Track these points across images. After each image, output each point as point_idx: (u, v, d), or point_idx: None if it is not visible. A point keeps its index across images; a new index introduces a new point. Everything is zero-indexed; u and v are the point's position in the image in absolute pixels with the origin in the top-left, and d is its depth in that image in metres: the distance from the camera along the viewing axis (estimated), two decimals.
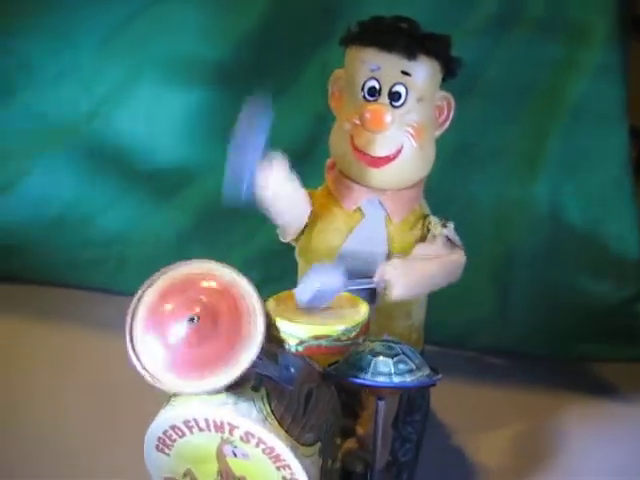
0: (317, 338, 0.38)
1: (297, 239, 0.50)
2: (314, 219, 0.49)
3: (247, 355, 0.37)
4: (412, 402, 0.54)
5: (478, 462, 0.55)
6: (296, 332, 0.38)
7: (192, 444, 0.41)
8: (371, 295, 0.49)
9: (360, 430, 0.50)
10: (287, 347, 0.38)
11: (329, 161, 0.50)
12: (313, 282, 0.42)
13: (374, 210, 0.48)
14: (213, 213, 0.61)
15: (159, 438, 0.41)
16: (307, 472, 0.39)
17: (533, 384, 0.62)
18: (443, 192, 0.60)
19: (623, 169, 0.60)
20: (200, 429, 0.40)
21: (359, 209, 0.48)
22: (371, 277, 0.45)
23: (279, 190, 0.45)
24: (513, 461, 0.56)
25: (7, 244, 0.70)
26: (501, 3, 0.59)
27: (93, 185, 0.68)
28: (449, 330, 0.64)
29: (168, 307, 0.38)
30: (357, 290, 0.45)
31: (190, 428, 0.40)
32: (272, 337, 0.39)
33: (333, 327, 0.39)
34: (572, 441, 0.56)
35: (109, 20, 0.65)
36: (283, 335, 0.38)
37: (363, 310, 0.41)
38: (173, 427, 0.40)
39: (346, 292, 0.44)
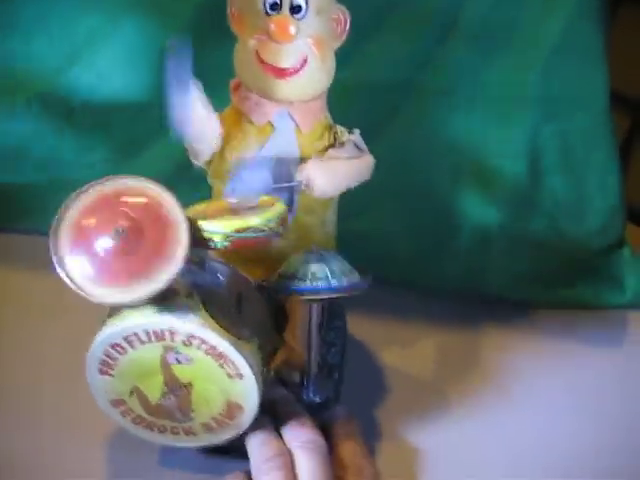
0: (240, 231, 0.40)
1: (209, 162, 0.51)
2: (226, 139, 0.51)
3: (173, 263, 0.39)
4: (332, 310, 0.57)
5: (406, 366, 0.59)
6: (220, 229, 0.40)
7: (135, 359, 0.42)
8: (288, 200, 0.52)
9: (289, 338, 0.53)
10: (214, 244, 0.40)
11: (233, 82, 0.51)
12: (243, 183, 0.43)
13: (284, 122, 0.50)
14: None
15: (101, 360, 0.42)
16: (249, 364, 0.42)
17: (496, 327, 0.63)
18: (424, 136, 0.63)
19: (603, 111, 0.62)
20: (141, 342, 0.41)
21: (269, 123, 0.50)
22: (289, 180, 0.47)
23: (195, 115, 0.46)
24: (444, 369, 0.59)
25: None
26: None
27: (64, 136, 0.66)
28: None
29: (93, 221, 0.39)
30: (278, 192, 0.47)
31: (131, 343, 0.41)
32: (198, 240, 0.40)
33: (253, 218, 0.41)
34: (516, 374, 0.59)
35: None
36: (208, 234, 0.40)
37: (279, 205, 0.43)
38: (113, 345, 0.41)
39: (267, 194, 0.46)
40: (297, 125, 0.50)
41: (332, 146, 0.51)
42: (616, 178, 0.64)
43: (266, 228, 0.41)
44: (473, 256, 0.65)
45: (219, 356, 0.41)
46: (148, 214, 0.39)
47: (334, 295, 0.47)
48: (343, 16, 0.50)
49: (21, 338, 0.59)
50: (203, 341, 0.41)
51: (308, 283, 0.46)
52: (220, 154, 0.51)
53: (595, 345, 0.62)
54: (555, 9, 0.60)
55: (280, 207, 0.43)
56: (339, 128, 0.52)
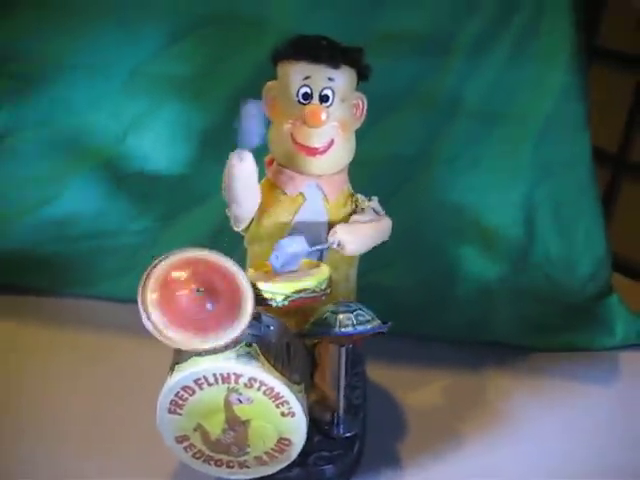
0: (298, 292, 0.48)
1: (247, 228, 0.59)
2: (262, 207, 0.58)
3: (243, 319, 0.46)
4: (354, 357, 0.65)
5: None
6: (281, 290, 0.48)
7: (201, 400, 0.49)
8: (319, 258, 0.59)
9: (319, 381, 0.60)
10: (275, 303, 0.47)
11: (267, 158, 0.60)
12: (286, 249, 0.51)
13: (313, 193, 0.58)
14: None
15: (171, 401, 0.49)
16: (300, 404, 0.49)
17: (498, 370, 0.71)
18: (433, 200, 0.72)
19: (588, 174, 0.72)
20: (209, 384, 0.48)
21: (301, 194, 0.58)
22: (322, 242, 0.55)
23: (247, 182, 0.54)
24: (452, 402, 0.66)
25: (35, 259, 0.75)
26: (480, 35, 0.70)
27: (117, 203, 0.74)
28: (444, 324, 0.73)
29: (176, 283, 0.46)
30: (312, 253, 0.55)
31: (200, 385, 0.48)
32: (260, 300, 0.48)
33: (310, 281, 0.48)
34: (520, 412, 0.65)
35: (137, 54, 0.72)
36: (270, 295, 0.47)
37: (325, 268, 0.51)
38: (184, 387, 0.48)
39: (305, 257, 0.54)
40: (325, 195, 0.58)
41: (354, 212, 0.60)
42: (602, 231, 0.74)
43: (318, 289, 0.49)
44: (475, 307, 0.73)
45: (276, 397, 0.48)
46: (220, 278, 0.46)
47: (359, 338, 0.55)
48: (361, 101, 0.59)
49: (70, 387, 0.66)
50: (263, 384, 0.48)
51: (336, 329, 0.53)
52: (257, 221, 0.59)
53: (590, 383, 0.69)
54: (545, 89, 0.70)
55: (327, 270, 0.50)
56: (359, 196, 0.61)
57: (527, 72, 0.70)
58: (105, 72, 0.72)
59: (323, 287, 0.49)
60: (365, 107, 0.59)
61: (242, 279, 0.47)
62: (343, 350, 0.57)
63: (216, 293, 0.46)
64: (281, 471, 0.54)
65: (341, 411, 0.59)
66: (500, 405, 0.66)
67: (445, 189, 0.73)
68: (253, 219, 0.58)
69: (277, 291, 0.48)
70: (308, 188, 0.58)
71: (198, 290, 0.46)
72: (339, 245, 0.56)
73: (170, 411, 0.49)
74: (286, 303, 0.48)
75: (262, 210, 0.58)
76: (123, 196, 0.75)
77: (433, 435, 0.62)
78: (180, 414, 0.49)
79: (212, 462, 0.52)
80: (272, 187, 0.59)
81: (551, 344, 0.73)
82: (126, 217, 0.75)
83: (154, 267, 0.46)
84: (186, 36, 0.73)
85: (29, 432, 0.60)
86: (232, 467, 0.52)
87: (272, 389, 0.48)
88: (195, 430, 0.50)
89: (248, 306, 0.46)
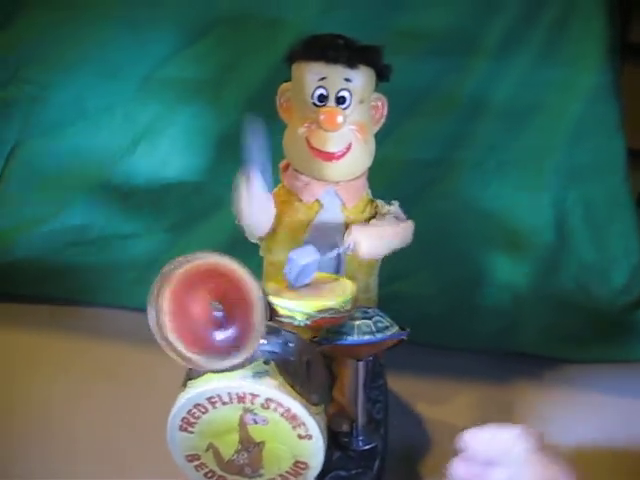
0: (321, 311, 0.45)
1: (263, 237, 0.56)
2: (277, 215, 0.56)
3: (257, 336, 0.44)
4: (375, 370, 0.63)
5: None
6: (303, 308, 0.45)
7: (215, 419, 0.46)
8: (336, 267, 0.57)
9: (338, 395, 0.58)
10: (297, 322, 0.45)
11: (282, 163, 0.57)
12: (297, 261, 0.48)
13: (331, 200, 0.56)
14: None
15: (183, 418, 0.47)
16: (318, 426, 0.46)
17: (526, 380, 0.68)
18: (458, 205, 0.69)
19: (622, 177, 0.68)
20: (223, 403, 0.46)
21: (317, 201, 0.55)
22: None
23: (257, 203, 0.51)
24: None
25: (50, 268, 0.74)
26: (506, 34, 0.67)
27: (131, 210, 0.73)
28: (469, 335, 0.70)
29: (189, 295, 0.44)
30: (327, 261, 0.52)
31: (213, 403, 0.46)
32: (279, 316, 0.45)
33: (333, 301, 0.46)
34: (548, 423, 0.62)
35: (151, 58, 0.71)
36: (290, 312, 0.45)
37: (349, 285, 0.48)
38: (197, 405, 0.46)
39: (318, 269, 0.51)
40: (343, 202, 0.56)
41: (374, 218, 0.57)
42: (637, 238, 0.70)
43: (343, 309, 0.46)
44: (503, 316, 0.70)
45: (293, 418, 0.46)
46: (235, 290, 0.44)
47: (378, 347, 0.52)
48: (381, 103, 0.56)
49: (82, 397, 0.65)
50: (280, 404, 0.45)
51: (355, 336, 0.50)
52: (272, 229, 0.56)
53: (624, 396, 0.66)
54: (576, 90, 0.67)
55: (351, 289, 0.48)
56: (379, 202, 0.58)
57: (556, 72, 0.67)
58: (119, 77, 0.71)
59: (348, 307, 0.46)
60: (385, 109, 0.56)
61: (255, 291, 0.44)
62: (362, 365, 0.55)
63: (232, 307, 0.44)
64: None
65: (360, 423, 0.56)
66: (529, 419, 0.63)
67: (470, 194, 0.70)
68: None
69: (298, 309, 0.45)
70: (325, 195, 0.55)
71: (216, 305, 0.43)
72: (354, 247, 0.52)
73: (181, 429, 0.47)
74: (308, 322, 0.45)
75: (277, 218, 0.56)
76: (138, 203, 0.73)
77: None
78: (192, 432, 0.47)
79: None
80: (288, 194, 0.57)
81: (582, 356, 0.70)
82: (141, 225, 0.73)
83: (168, 275, 0.44)
84: (200, 39, 0.71)
85: (38, 439, 0.59)
86: None
87: (289, 410, 0.46)
88: (207, 450, 0.48)
89: (262, 322, 0.44)
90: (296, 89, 0.54)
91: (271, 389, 0.45)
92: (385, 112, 0.56)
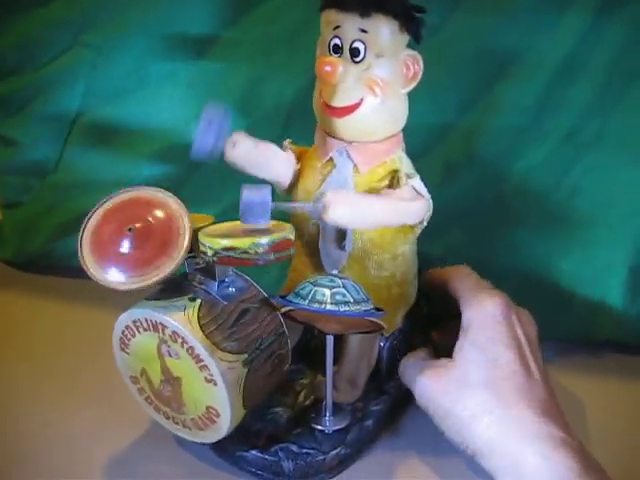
0: (227, 249, 0.43)
1: (288, 190, 0.55)
2: (301, 172, 0.54)
3: (172, 262, 0.44)
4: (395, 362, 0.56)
5: None
6: (211, 244, 0.44)
7: (141, 343, 0.48)
8: (339, 240, 0.53)
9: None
10: (207, 257, 0.44)
11: None
12: (243, 197, 0.45)
13: (343, 161, 0.52)
14: None
15: (120, 338, 0.49)
16: (222, 375, 0.45)
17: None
18: (547, 180, 0.62)
19: None
20: (144, 329, 0.47)
21: (331, 160, 0.52)
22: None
23: (248, 161, 0.51)
24: None
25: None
26: None
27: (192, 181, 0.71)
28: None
29: (112, 224, 0.46)
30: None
31: (137, 327, 0.47)
32: (198, 251, 0.45)
33: (242, 240, 0.43)
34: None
35: (214, 21, 0.69)
36: (203, 248, 0.44)
37: (281, 230, 0.45)
38: (127, 327, 0.48)
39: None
40: (355, 165, 0.51)
41: (389, 188, 0.52)
42: None
43: (251, 251, 0.43)
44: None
45: (197, 358, 0.45)
46: (158, 219, 0.45)
47: (334, 317, 0.47)
48: (412, 61, 0.50)
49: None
50: (185, 341, 0.45)
51: (305, 302, 0.46)
52: (295, 185, 0.55)
53: None
54: None
55: (276, 235, 0.44)
56: (403, 173, 0.52)
57: None
58: (181, 42, 0.68)
59: (258, 250, 0.43)
60: (420, 69, 0.50)
61: (183, 222, 0.44)
62: (330, 339, 0.50)
63: (151, 232, 0.45)
64: (239, 448, 0.51)
65: (329, 402, 0.52)
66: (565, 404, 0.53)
67: (562, 168, 0.61)
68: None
69: (208, 245, 0.44)
70: (338, 154, 0.52)
71: (131, 229, 0.45)
72: (323, 207, 0.46)
73: (120, 348, 0.49)
74: (215, 259, 0.44)
75: (301, 173, 0.54)
76: (203, 175, 0.70)
77: None
78: (128, 353, 0.49)
79: (160, 412, 0.50)
80: (315, 152, 0.54)
81: None
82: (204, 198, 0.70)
83: (95, 211, 0.46)
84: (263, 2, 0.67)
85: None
86: (177, 424, 0.50)
87: (192, 349, 0.45)
88: (142, 375, 0.49)
89: (179, 250, 0.44)
90: (320, 40, 0.52)
91: (176, 322, 0.45)
92: (419, 72, 0.50)
